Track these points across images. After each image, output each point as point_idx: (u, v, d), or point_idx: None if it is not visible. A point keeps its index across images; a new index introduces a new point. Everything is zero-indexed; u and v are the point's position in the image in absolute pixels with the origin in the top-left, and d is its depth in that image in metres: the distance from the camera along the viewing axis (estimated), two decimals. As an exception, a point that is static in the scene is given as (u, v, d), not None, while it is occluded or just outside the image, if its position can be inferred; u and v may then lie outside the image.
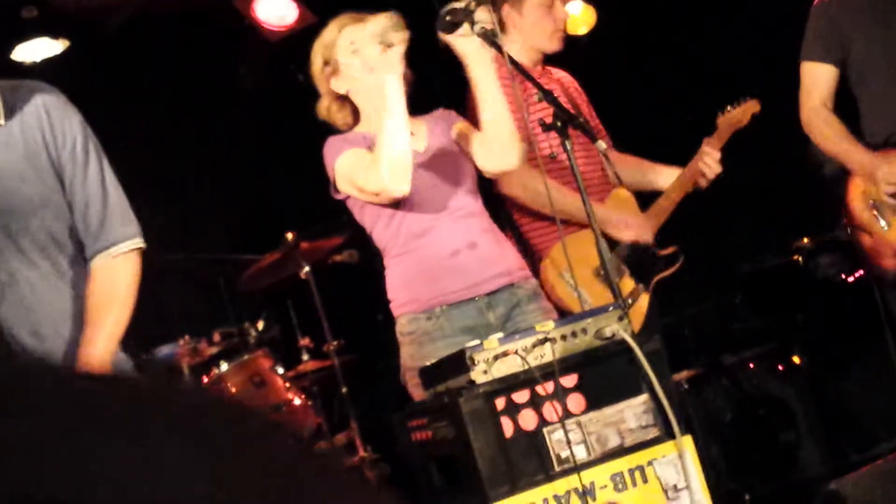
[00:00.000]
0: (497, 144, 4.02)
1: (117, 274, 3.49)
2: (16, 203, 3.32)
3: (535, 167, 4.30)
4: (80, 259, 3.46)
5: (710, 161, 4.89)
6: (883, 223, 4.79)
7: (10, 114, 3.35)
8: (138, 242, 3.55)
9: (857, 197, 4.90)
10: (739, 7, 5.23)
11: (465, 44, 3.88)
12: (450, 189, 4.10)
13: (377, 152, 3.88)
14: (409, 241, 4.08)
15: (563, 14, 5.09)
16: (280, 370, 5.70)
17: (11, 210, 3.32)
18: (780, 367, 6.35)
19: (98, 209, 3.47)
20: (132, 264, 3.54)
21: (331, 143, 4.07)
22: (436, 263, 4.05)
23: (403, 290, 4.12)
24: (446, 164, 4.12)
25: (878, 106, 4.88)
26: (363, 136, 4.02)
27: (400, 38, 3.85)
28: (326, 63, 4.15)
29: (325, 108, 4.22)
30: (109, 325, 3.39)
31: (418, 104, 4.17)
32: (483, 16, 3.84)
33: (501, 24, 4.79)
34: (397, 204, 4.01)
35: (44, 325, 3.35)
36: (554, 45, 5.05)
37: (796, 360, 6.38)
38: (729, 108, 5.07)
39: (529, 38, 5.00)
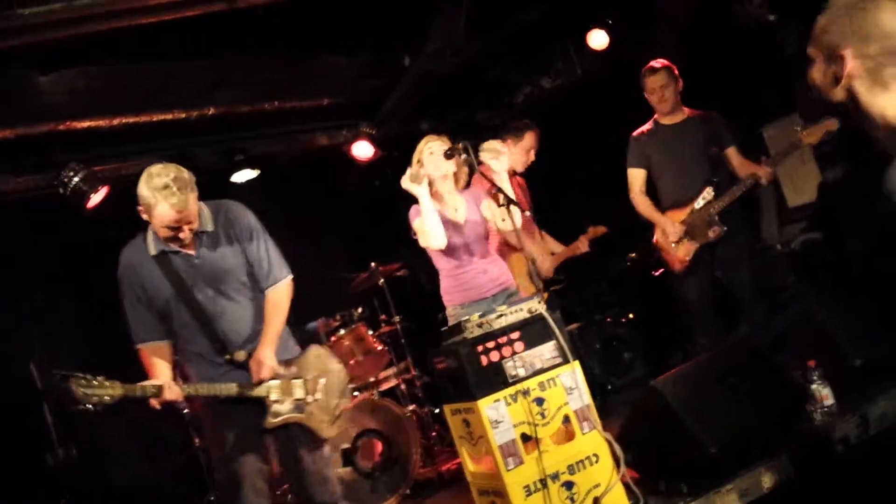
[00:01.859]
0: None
1: (279, 299, 3.47)
2: (221, 271, 3.35)
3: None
4: (259, 290, 3.45)
5: (581, 246, 5.18)
6: (673, 246, 4.76)
7: (215, 223, 3.38)
8: (289, 278, 3.53)
9: (659, 234, 4.86)
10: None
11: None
12: (474, 241, 4.07)
13: (422, 230, 3.91)
14: (451, 270, 4.08)
15: (533, 157, 5.13)
16: (370, 332, 5.66)
17: (220, 276, 3.34)
18: (623, 320, 6.33)
19: (265, 265, 3.45)
20: (288, 288, 3.51)
21: (412, 210, 4.03)
22: (465, 283, 4.06)
23: (447, 293, 4.12)
24: (474, 226, 4.07)
25: (666, 189, 4.87)
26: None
27: (424, 176, 3.89)
28: (416, 162, 4.06)
29: None
30: (272, 329, 3.39)
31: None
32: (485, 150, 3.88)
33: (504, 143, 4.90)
34: (447, 253, 3.99)
35: (237, 331, 3.33)
36: (520, 169, 5.14)
37: (631, 315, 6.35)
38: (593, 226, 5.24)
39: (512, 160, 4.97)
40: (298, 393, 3.39)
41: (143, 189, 3.15)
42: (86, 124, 5.51)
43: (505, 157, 3.95)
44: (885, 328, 3.69)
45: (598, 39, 6.09)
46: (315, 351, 3.61)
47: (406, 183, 3.87)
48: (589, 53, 6.27)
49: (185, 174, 3.21)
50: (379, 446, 5.02)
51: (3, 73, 4.70)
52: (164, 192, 3.11)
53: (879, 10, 1.85)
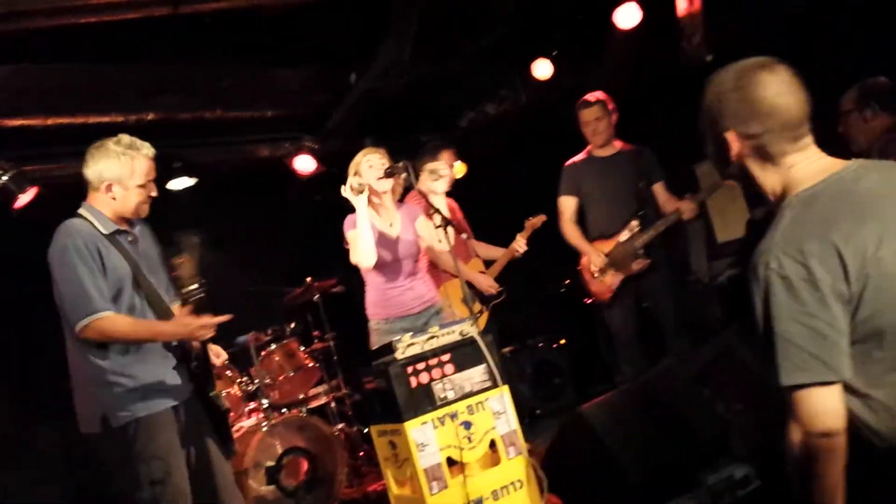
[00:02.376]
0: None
1: None
2: (155, 264, 3.28)
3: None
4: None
5: (519, 246, 4.94)
6: (597, 275, 4.79)
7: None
8: None
9: (585, 263, 4.88)
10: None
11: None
12: (405, 259, 4.02)
13: (354, 244, 3.79)
14: (380, 285, 4.03)
15: (455, 174, 5.00)
16: (302, 348, 5.54)
17: (156, 267, 3.27)
18: (555, 345, 6.34)
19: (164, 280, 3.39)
20: None
21: (347, 220, 3.94)
22: (391, 297, 4.02)
23: (372, 307, 4.07)
24: (407, 244, 4.01)
25: (594, 219, 4.92)
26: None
27: (365, 188, 3.81)
28: (354, 174, 3.97)
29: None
30: None
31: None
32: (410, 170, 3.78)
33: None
34: (377, 267, 3.91)
35: None
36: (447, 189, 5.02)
37: (563, 340, 6.37)
38: (531, 217, 5.04)
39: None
40: (222, 403, 3.32)
41: (111, 158, 3.03)
42: (18, 122, 5.31)
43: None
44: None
45: (542, 70, 6.15)
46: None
47: (347, 192, 3.81)
48: (533, 82, 6.32)
49: None
50: (304, 465, 4.91)
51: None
52: (136, 148, 3.06)
53: (758, 88, 1.76)
